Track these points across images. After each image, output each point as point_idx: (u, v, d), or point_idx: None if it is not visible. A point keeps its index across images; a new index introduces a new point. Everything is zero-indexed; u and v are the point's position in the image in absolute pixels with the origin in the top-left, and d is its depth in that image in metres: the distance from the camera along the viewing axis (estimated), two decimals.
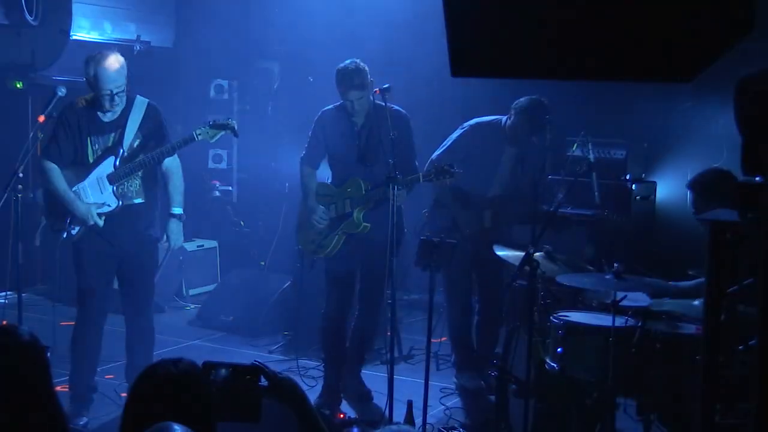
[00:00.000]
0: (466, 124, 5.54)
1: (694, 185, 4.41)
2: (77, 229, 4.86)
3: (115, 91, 4.73)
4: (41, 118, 4.72)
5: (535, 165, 5.31)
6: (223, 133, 4.97)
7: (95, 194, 4.85)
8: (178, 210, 5.06)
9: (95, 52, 4.84)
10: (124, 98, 4.82)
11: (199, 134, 4.91)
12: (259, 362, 2.52)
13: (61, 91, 4.76)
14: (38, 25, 6.92)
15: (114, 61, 4.74)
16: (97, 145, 4.86)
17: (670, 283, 4.55)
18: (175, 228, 5.06)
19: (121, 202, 4.88)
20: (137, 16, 7.53)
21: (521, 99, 5.32)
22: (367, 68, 5.02)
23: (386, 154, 4.73)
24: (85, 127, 4.84)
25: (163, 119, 5.02)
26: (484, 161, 5.44)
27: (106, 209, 4.86)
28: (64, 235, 4.84)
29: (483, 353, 5.48)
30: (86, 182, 4.85)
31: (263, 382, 2.50)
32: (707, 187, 4.30)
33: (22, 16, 6.82)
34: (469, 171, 5.36)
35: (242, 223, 7.76)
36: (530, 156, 5.41)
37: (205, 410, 2.31)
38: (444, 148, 5.47)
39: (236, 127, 4.99)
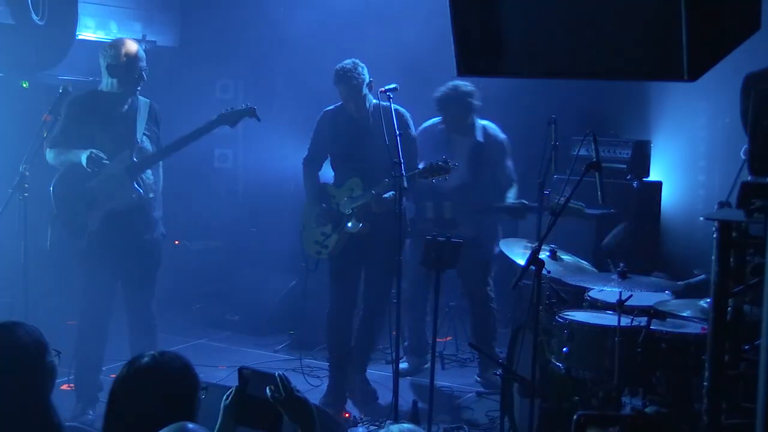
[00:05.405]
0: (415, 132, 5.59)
1: None
2: (95, 220, 4.87)
3: (144, 67, 4.84)
4: (47, 117, 4.73)
5: (495, 158, 5.58)
6: (245, 117, 5.04)
7: (113, 187, 4.86)
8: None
9: (111, 41, 4.95)
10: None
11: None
12: (283, 375, 2.57)
13: (67, 91, 4.78)
14: (44, 24, 6.92)
15: (136, 42, 4.95)
16: (110, 140, 4.88)
17: (678, 283, 4.53)
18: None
19: (142, 191, 4.90)
20: (143, 16, 7.52)
21: (439, 88, 5.58)
22: (363, 66, 5.02)
23: (388, 154, 4.68)
24: (99, 120, 4.87)
25: (160, 120, 5.11)
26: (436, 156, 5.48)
27: (125, 202, 4.87)
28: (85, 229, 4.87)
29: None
30: (102, 175, 4.85)
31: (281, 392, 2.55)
32: None
33: (29, 16, 6.83)
34: None
35: (254, 230, 7.78)
36: (488, 149, 5.61)
37: (188, 402, 2.34)
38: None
39: (257, 111, 5.04)
